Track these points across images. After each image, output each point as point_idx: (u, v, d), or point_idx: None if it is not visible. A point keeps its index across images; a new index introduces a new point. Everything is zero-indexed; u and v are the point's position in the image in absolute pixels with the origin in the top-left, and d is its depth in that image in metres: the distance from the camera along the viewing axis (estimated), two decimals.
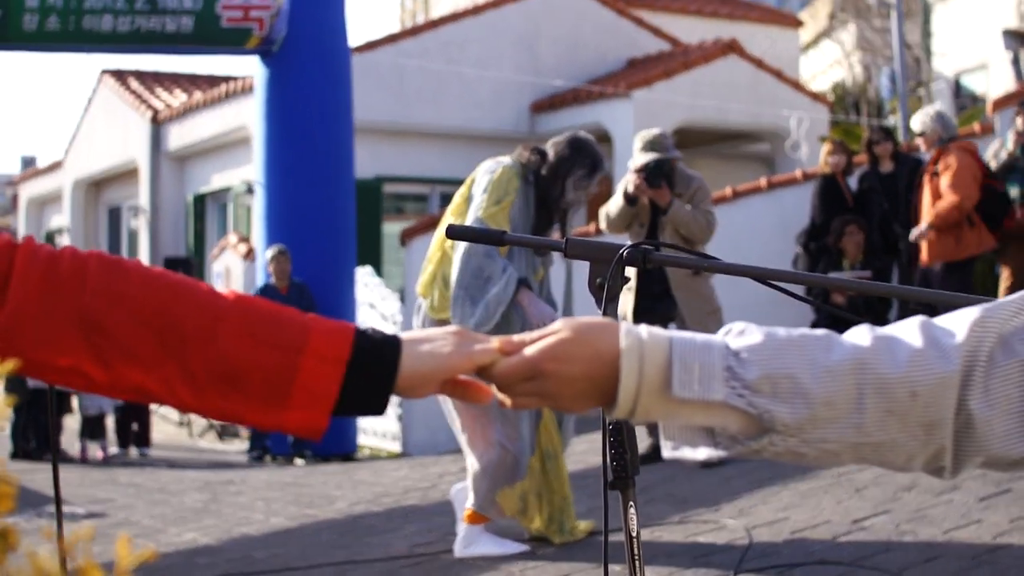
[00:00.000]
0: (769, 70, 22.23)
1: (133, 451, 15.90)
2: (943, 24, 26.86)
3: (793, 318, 12.91)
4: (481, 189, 7.15)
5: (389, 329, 15.28)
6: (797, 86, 22.98)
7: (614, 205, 9.74)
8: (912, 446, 1.66)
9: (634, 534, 2.23)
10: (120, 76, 26.91)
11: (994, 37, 24.57)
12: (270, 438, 14.43)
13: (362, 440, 15.58)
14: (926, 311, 13.54)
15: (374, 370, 1.82)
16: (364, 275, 16.30)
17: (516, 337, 1.82)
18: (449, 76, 21.44)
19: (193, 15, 15.47)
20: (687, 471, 9.38)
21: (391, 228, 21.10)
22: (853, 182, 13.75)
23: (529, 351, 1.77)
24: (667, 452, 1.76)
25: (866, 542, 6.65)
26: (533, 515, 7.23)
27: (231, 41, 15.65)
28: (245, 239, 19.51)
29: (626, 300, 9.53)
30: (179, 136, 24.33)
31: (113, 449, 15.96)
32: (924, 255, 11.73)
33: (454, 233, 2.54)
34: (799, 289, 11.32)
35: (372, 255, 19.90)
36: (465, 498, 7.30)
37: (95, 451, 15.70)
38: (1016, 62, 24.29)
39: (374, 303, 16.08)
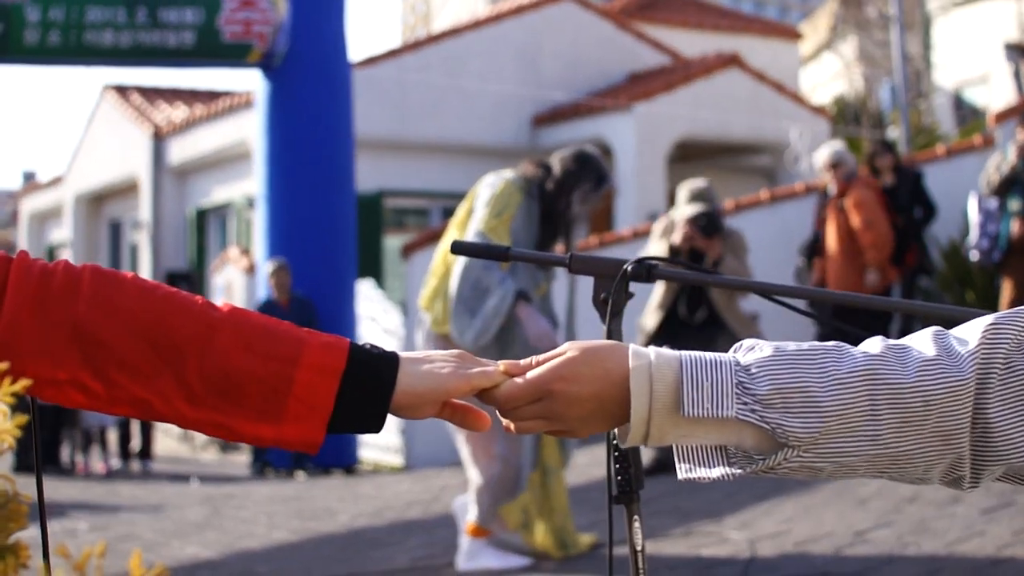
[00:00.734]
0: (770, 83, 22.26)
1: (135, 465, 15.89)
2: (944, 37, 26.89)
3: (797, 332, 12.92)
4: (482, 203, 7.15)
5: (391, 343, 15.28)
6: (798, 99, 23.00)
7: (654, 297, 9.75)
8: (930, 457, 1.63)
9: (639, 548, 2.23)
10: (122, 91, 26.95)
11: (995, 50, 24.58)
12: (271, 451, 14.42)
13: (364, 453, 15.57)
14: (926, 325, 13.61)
15: (370, 385, 1.81)
16: (365, 288, 16.31)
17: (523, 361, 1.80)
18: (450, 90, 21.46)
19: (194, 30, 15.49)
20: (690, 484, 9.37)
21: (392, 242, 21.11)
22: None
23: (535, 372, 1.76)
24: (682, 474, 1.74)
25: (869, 555, 6.65)
26: (535, 529, 7.24)
27: (232, 55, 15.67)
28: (246, 253, 19.52)
29: (652, 319, 9.56)
30: (180, 150, 24.35)
31: (115, 462, 15.96)
32: (830, 287, 11.80)
33: (459, 249, 2.55)
34: (802, 303, 11.35)
35: (373, 269, 19.91)
36: (467, 511, 7.30)
37: (97, 464, 15.70)
38: (1017, 75, 24.29)
39: (375, 316, 16.08)
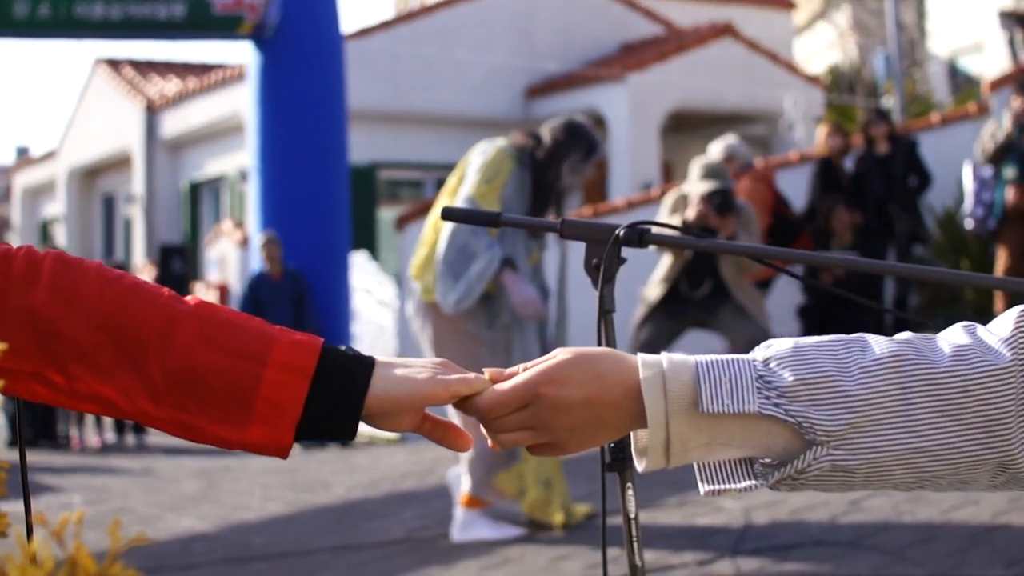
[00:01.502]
0: (764, 52, 22.21)
1: (130, 439, 15.88)
2: (938, 5, 26.83)
3: (792, 298, 12.92)
4: (473, 169, 7.14)
5: (385, 314, 15.28)
6: (792, 68, 22.97)
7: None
8: (972, 451, 1.52)
9: (632, 516, 2.21)
10: (114, 64, 26.89)
11: (990, 18, 24.53)
12: None
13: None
14: (923, 292, 13.46)
15: (342, 387, 1.71)
16: (359, 260, 16.29)
17: (508, 370, 1.71)
18: (443, 61, 21.42)
19: (185, 2, 15.43)
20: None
21: (386, 214, 21.09)
22: (849, 164, 13.75)
23: (522, 376, 1.65)
24: (704, 488, 1.65)
25: (864, 523, 6.65)
26: (531, 497, 7.23)
27: (223, 27, 15.61)
28: (240, 226, 19.50)
29: (655, 291, 9.52)
30: (173, 124, 24.32)
31: (110, 436, 15.96)
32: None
33: (449, 215, 2.52)
34: (798, 269, 11.33)
35: (367, 241, 19.89)
36: (461, 483, 7.29)
37: (92, 438, 15.69)
38: (1012, 43, 24.25)
39: (370, 288, 16.07)
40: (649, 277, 9.70)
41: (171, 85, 25.69)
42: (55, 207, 29.97)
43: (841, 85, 25.24)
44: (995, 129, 12.00)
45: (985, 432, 1.51)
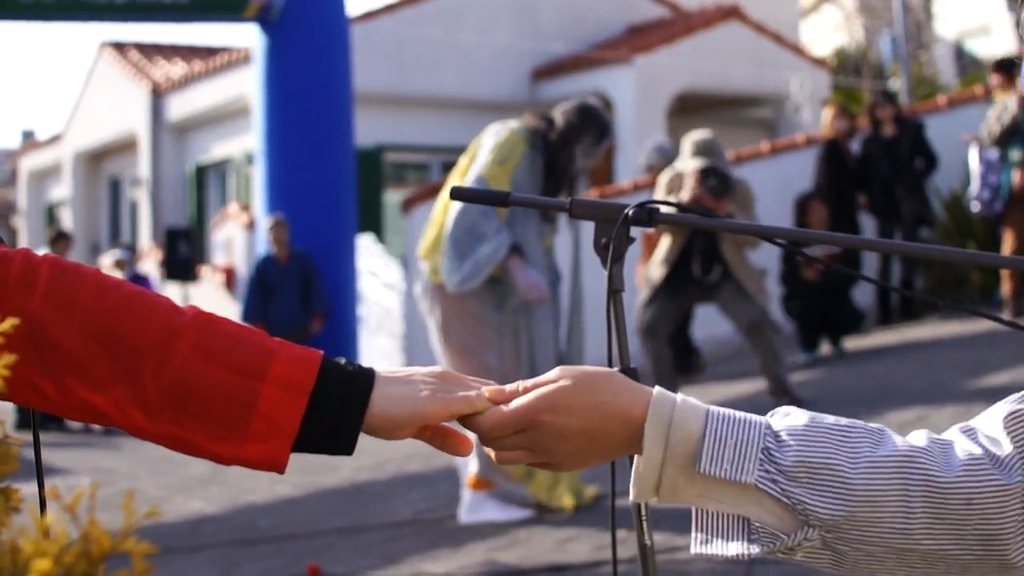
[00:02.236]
0: (770, 35, 22.17)
1: None
2: None
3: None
4: (486, 150, 7.14)
5: (391, 297, 15.28)
6: (798, 50, 22.92)
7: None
8: (966, 559, 1.51)
9: None
10: (119, 47, 26.86)
11: (996, 0, 24.48)
12: None
13: None
14: (929, 270, 13.46)
15: (340, 406, 1.68)
16: (366, 243, 16.29)
17: (509, 386, 1.70)
18: (449, 44, 21.38)
19: None
20: None
21: (392, 197, 21.08)
22: (856, 146, 13.74)
23: (522, 400, 1.64)
24: (695, 547, 1.61)
25: None
26: (539, 480, 7.23)
27: (229, 10, 15.60)
28: (246, 209, 19.49)
29: (658, 272, 9.53)
30: (179, 107, 24.30)
31: None
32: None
33: (458, 194, 2.52)
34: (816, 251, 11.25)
35: (373, 223, 19.88)
36: (468, 464, 7.30)
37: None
38: (1019, 25, 24.17)
39: (376, 271, 16.08)
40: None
41: (177, 68, 25.67)
42: (61, 190, 29.96)
43: (847, 67, 25.20)
44: (1001, 111, 11.98)
45: (983, 545, 1.49)
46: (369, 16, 21.01)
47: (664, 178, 9.63)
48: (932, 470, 1.48)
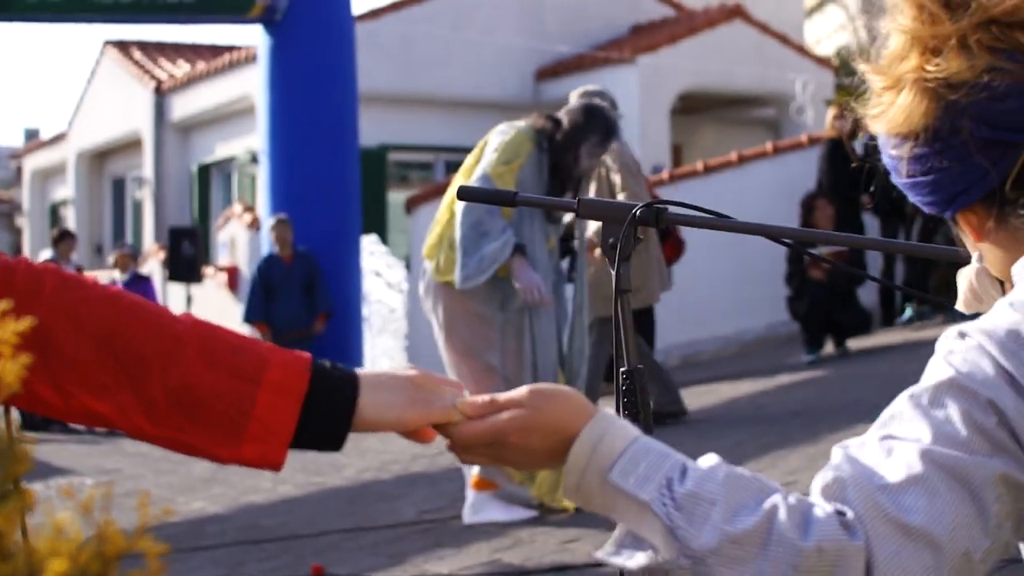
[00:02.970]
0: (774, 35, 22.17)
1: None
2: None
3: (781, 289, 12.91)
4: (492, 148, 7.14)
5: (395, 297, 15.29)
6: (802, 50, 22.93)
7: None
8: None
9: None
10: (123, 47, 26.85)
11: None
12: None
13: None
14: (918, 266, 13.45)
15: (331, 410, 1.80)
16: (369, 243, 16.29)
17: (480, 399, 1.81)
18: (453, 43, 21.39)
19: None
20: (696, 434, 9.38)
21: (396, 196, 21.08)
22: (859, 146, 13.73)
23: (494, 420, 1.76)
24: (600, 553, 1.71)
25: None
26: (540, 481, 7.23)
27: (234, 10, 15.61)
28: (250, 209, 19.51)
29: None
30: (183, 106, 24.31)
31: None
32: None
33: (465, 193, 2.53)
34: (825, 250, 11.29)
35: (377, 223, 19.87)
36: (472, 465, 7.29)
37: None
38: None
39: (380, 271, 16.09)
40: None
41: (181, 68, 25.66)
42: (65, 190, 29.95)
43: (851, 67, 25.16)
44: None
45: None
46: (374, 15, 21.03)
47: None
48: (792, 523, 1.56)
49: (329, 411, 1.80)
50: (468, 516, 7.27)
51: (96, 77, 27.71)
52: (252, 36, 17.98)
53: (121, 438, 14.21)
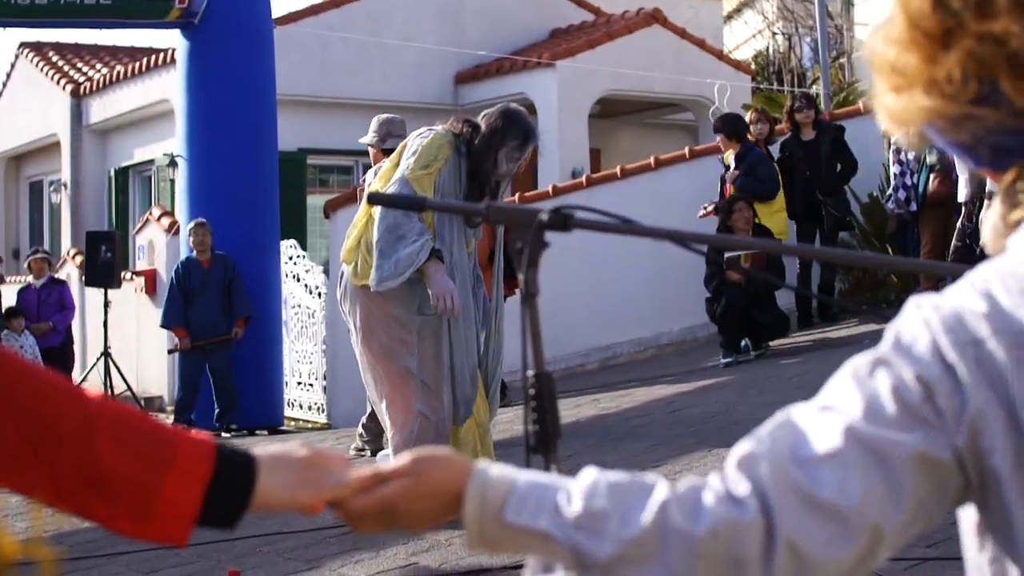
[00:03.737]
0: (692, 40, 22.27)
1: None
2: None
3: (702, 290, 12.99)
4: (410, 152, 7.15)
5: (315, 301, 15.25)
6: (720, 56, 23.05)
7: None
8: None
9: None
10: (39, 49, 26.58)
11: None
12: (195, 412, 14.33)
13: (288, 413, 15.54)
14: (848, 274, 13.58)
15: (232, 492, 1.90)
16: (288, 247, 16.24)
17: (367, 472, 1.92)
18: (372, 48, 21.34)
19: None
20: (612, 437, 9.42)
21: (315, 200, 21.01)
22: (775, 150, 13.86)
23: (382, 492, 1.88)
24: (526, 573, 1.82)
25: None
26: None
27: (151, 13, 15.50)
28: (168, 213, 19.37)
29: None
30: (101, 109, 24.10)
31: None
32: None
33: (376, 199, 2.54)
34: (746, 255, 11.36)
35: (296, 228, 19.78)
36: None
37: None
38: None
39: (299, 275, 16.04)
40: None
41: (98, 70, 25.42)
42: None
43: (768, 73, 25.35)
44: None
45: (736, 570, 1.64)
46: (292, 19, 20.93)
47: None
48: (682, 513, 1.66)
49: (230, 494, 1.90)
50: None
51: (12, 80, 27.42)
52: (171, 38, 17.87)
53: None
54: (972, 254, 11.34)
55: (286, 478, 1.94)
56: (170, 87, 18.86)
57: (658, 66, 21.40)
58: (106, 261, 16.86)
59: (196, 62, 15.40)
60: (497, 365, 7.70)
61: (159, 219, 19.16)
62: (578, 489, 1.73)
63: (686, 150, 16.15)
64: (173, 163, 18.32)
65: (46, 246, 24.84)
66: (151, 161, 23.30)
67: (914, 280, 13.06)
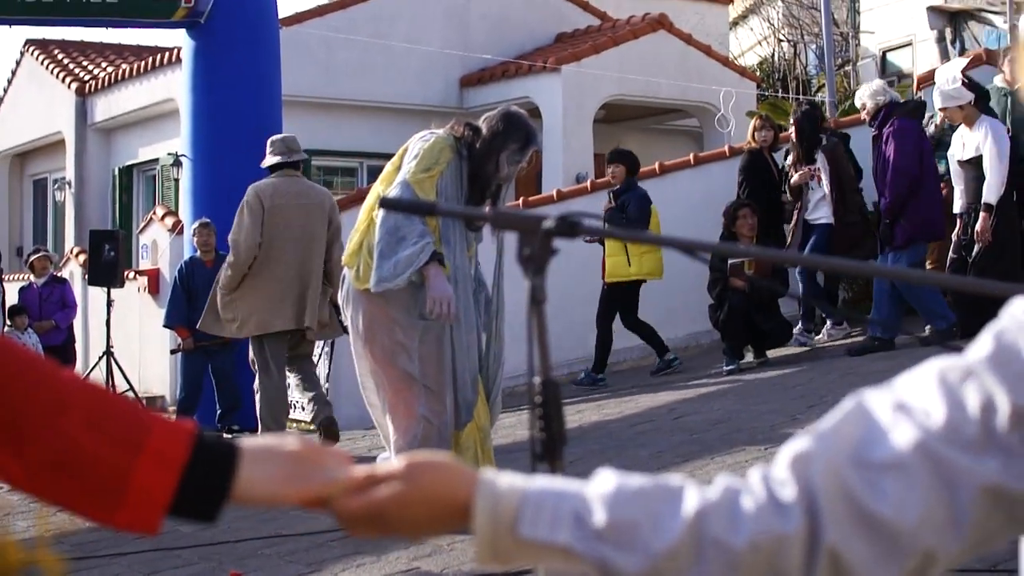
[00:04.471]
0: (698, 46, 22.26)
1: None
2: (870, 2, 27.01)
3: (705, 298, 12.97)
4: (412, 155, 7.14)
5: None
6: (726, 62, 23.04)
7: None
8: None
9: None
10: (45, 47, 26.59)
11: (919, 15, 24.73)
12: (197, 412, 14.31)
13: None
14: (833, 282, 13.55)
15: (209, 482, 1.81)
16: None
17: (360, 472, 1.84)
18: (378, 50, 21.33)
19: None
20: (616, 444, 9.41)
21: None
22: (780, 157, 13.83)
23: (372, 496, 1.79)
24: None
25: None
26: None
27: (157, 13, 15.49)
28: (172, 212, 19.35)
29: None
30: (106, 108, 24.09)
31: None
32: None
33: (387, 203, 2.52)
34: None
35: None
36: None
37: None
38: (941, 39, 24.47)
39: None
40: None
41: (104, 69, 25.41)
42: None
43: (773, 79, 25.35)
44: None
45: None
46: (298, 20, 20.93)
47: None
48: (720, 523, 1.58)
49: (206, 483, 1.80)
50: None
51: (17, 78, 27.42)
52: (177, 38, 17.86)
53: None
54: (966, 266, 11.28)
55: (271, 471, 1.83)
56: (175, 86, 18.86)
57: (663, 72, 21.39)
58: (109, 260, 16.83)
59: (202, 62, 15.39)
60: (498, 369, 7.69)
61: (163, 218, 19.14)
62: (599, 496, 1.64)
63: (691, 156, 16.13)
64: (177, 163, 18.32)
65: (49, 244, 24.88)
66: (155, 160, 23.29)
67: None
